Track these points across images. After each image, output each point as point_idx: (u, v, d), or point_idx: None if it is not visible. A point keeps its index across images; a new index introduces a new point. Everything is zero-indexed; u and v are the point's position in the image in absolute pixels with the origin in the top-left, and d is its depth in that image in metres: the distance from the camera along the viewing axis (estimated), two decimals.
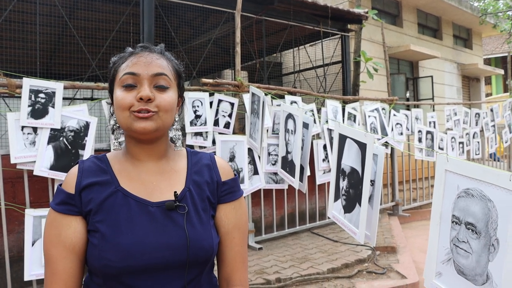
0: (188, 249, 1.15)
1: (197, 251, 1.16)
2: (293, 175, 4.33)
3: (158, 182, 1.23)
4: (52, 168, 3.60)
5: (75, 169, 1.22)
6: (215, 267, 1.33)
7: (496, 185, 1.49)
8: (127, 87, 1.18)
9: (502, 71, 16.52)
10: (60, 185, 1.21)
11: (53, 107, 3.61)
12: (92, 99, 9.18)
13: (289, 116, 4.48)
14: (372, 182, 2.42)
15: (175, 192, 1.20)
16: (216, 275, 1.35)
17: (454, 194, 1.69)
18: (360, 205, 2.40)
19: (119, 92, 1.19)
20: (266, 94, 4.70)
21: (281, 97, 5.43)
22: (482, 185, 1.56)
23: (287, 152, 4.59)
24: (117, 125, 1.27)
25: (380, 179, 2.39)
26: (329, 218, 6.10)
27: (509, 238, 1.44)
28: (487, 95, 21.79)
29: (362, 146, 2.39)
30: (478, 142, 8.91)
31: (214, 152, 4.53)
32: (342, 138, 2.60)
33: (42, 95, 3.57)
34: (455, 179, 1.68)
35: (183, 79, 1.31)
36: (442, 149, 7.58)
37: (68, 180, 1.20)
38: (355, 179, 2.48)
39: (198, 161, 1.31)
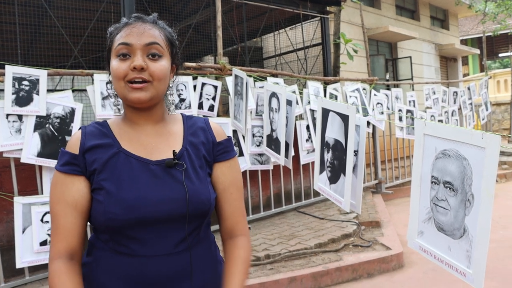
0: (188, 202, 1.24)
1: (196, 204, 1.26)
2: (278, 152, 4.43)
3: (157, 143, 1.32)
4: (40, 155, 3.63)
5: (78, 133, 1.30)
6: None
7: (470, 144, 1.60)
8: (121, 57, 1.25)
9: (478, 51, 16.82)
10: (63, 148, 1.29)
11: (37, 94, 3.62)
12: (73, 90, 9.11)
13: (273, 95, 4.56)
14: (356, 152, 2.52)
15: (173, 150, 1.29)
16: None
17: (432, 156, 1.79)
18: (344, 175, 2.50)
19: (114, 62, 1.26)
20: (249, 76, 4.76)
21: (264, 80, 5.50)
22: (457, 145, 1.66)
23: (272, 130, 4.68)
24: (115, 92, 1.34)
25: (363, 148, 2.50)
26: (314, 197, 6.26)
27: (482, 192, 1.54)
28: (465, 75, 22.15)
29: (344, 118, 2.48)
30: (457, 120, 9.11)
31: None
32: (325, 112, 2.68)
33: (26, 82, 3.58)
34: (433, 142, 1.78)
35: (176, 46, 1.38)
36: None
37: (71, 143, 1.28)
38: (339, 150, 2.57)
39: (193, 124, 1.41)
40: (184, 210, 1.24)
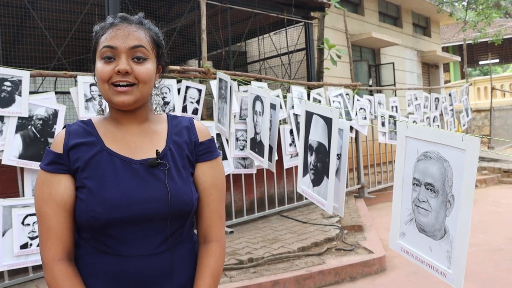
0: (170, 202, 1.24)
1: (178, 205, 1.26)
2: (262, 155, 4.44)
3: (141, 142, 1.32)
4: (21, 157, 3.58)
5: (62, 132, 1.30)
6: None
7: (450, 146, 1.63)
8: (106, 60, 1.24)
9: (459, 58, 17.11)
10: (49, 147, 1.28)
11: (20, 95, 3.58)
12: (55, 92, 8.99)
13: (257, 98, 4.58)
14: (339, 156, 2.54)
15: (156, 150, 1.29)
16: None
17: (414, 158, 1.82)
18: (327, 177, 2.52)
19: (99, 64, 1.25)
20: (233, 80, 4.77)
21: (248, 84, 5.52)
22: (438, 147, 1.69)
23: (256, 133, 4.69)
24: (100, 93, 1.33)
25: (346, 152, 2.52)
26: (297, 201, 6.28)
27: (462, 193, 1.57)
28: (446, 82, 22.51)
29: (328, 121, 2.50)
30: (438, 126, 9.24)
31: None
32: (309, 115, 2.71)
33: (7, 83, 3.54)
34: (415, 144, 1.81)
35: (162, 47, 1.37)
36: None
37: (56, 141, 1.28)
38: (322, 153, 2.59)
39: (178, 124, 1.40)
40: (166, 210, 1.24)
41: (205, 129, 1.44)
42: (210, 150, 1.40)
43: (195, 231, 1.42)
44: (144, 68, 1.26)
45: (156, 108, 1.38)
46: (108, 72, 1.23)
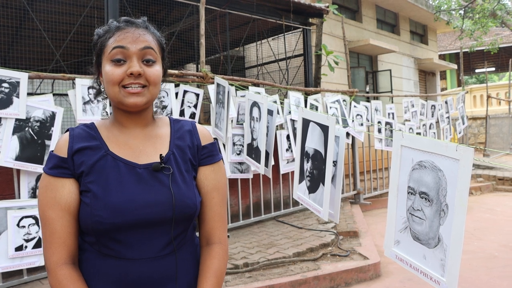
0: (174, 206, 1.26)
1: (182, 208, 1.27)
2: (258, 161, 4.46)
3: (144, 147, 1.33)
4: (18, 158, 3.57)
5: (66, 136, 1.30)
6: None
7: (445, 156, 1.65)
8: (116, 62, 1.26)
9: (455, 66, 17.21)
10: (52, 151, 1.29)
11: (17, 97, 3.58)
12: (53, 94, 8.98)
13: (254, 104, 4.60)
14: (335, 163, 2.56)
15: (160, 155, 1.30)
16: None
17: (409, 167, 1.84)
18: (323, 184, 2.54)
19: (108, 66, 1.26)
20: (231, 85, 4.79)
21: (245, 89, 5.54)
22: (433, 157, 1.71)
23: (253, 139, 4.71)
24: (105, 95, 1.35)
25: (342, 159, 2.54)
26: (293, 206, 6.29)
27: (456, 202, 1.59)
28: (442, 89, 22.60)
29: (324, 129, 2.53)
30: (434, 133, 9.28)
31: None
32: (306, 122, 2.73)
33: (5, 84, 3.54)
34: (410, 153, 1.83)
35: (166, 51, 1.40)
36: None
37: (59, 145, 1.28)
38: (318, 160, 2.61)
39: (180, 128, 1.42)
40: (170, 214, 1.25)
41: (207, 133, 1.45)
42: (212, 153, 1.42)
43: (197, 233, 1.43)
44: (154, 70, 1.28)
45: (156, 111, 1.40)
46: (119, 75, 1.24)
